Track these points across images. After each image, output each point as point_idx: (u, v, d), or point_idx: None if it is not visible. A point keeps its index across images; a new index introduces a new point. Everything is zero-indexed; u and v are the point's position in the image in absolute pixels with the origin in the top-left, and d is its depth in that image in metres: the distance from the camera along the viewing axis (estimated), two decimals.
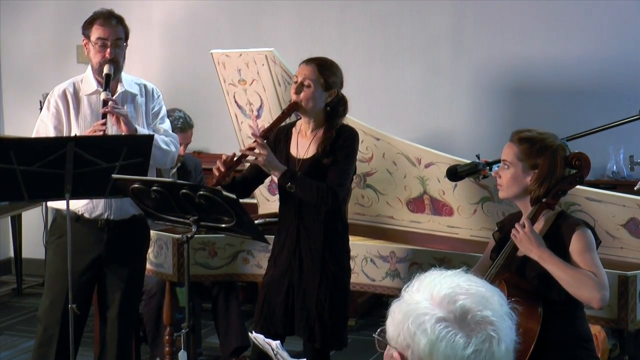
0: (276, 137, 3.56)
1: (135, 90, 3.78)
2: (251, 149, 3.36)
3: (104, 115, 3.56)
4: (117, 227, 3.70)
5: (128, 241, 3.74)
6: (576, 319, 2.81)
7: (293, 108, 3.43)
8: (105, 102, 3.58)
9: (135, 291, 3.86)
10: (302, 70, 3.42)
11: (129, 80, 3.79)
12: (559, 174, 2.80)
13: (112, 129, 3.64)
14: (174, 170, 4.84)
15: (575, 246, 2.74)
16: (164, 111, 3.91)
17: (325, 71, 3.41)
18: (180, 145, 4.75)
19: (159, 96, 3.88)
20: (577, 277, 2.67)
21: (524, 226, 2.76)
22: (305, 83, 3.39)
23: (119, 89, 3.71)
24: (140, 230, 3.82)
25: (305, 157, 3.46)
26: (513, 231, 2.80)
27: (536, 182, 2.80)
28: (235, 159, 3.38)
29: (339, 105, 3.47)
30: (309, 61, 3.44)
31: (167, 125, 3.89)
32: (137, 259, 3.84)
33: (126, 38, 3.71)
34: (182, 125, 4.85)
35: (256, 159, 3.36)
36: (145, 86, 3.84)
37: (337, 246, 3.47)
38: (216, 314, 4.74)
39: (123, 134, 3.59)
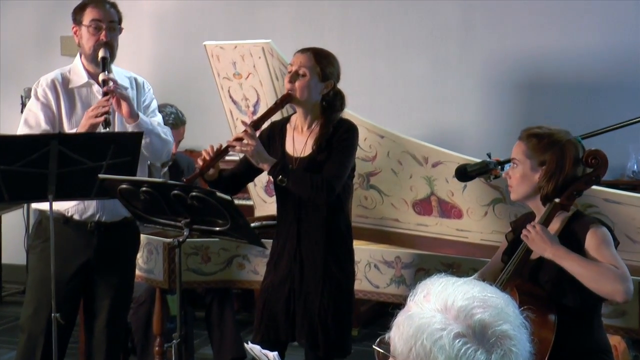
0: (269, 133, 3.55)
1: (125, 83, 3.78)
2: (239, 139, 3.34)
3: (105, 94, 3.54)
4: (108, 230, 3.69)
5: (119, 245, 3.73)
6: (593, 328, 2.80)
7: (287, 99, 3.42)
8: (105, 83, 3.56)
9: (125, 299, 3.85)
10: (297, 59, 3.41)
11: (119, 72, 3.78)
12: (568, 169, 2.81)
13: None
14: (165, 169, 4.83)
15: (590, 242, 2.76)
16: (155, 104, 3.91)
17: (322, 60, 3.41)
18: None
19: (149, 89, 3.89)
20: (597, 270, 2.67)
21: (534, 227, 2.77)
22: (301, 72, 3.38)
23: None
24: (131, 233, 3.82)
25: (302, 155, 3.45)
26: (524, 232, 2.80)
27: (544, 178, 2.81)
28: (222, 148, 3.37)
29: (336, 100, 3.46)
30: (305, 50, 3.44)
31: (159, 118, 3.89)
32: (128, 264, 3.83)
33: (119, 22, 3.71)
34: (174, 121, 4.84)
35: (245, 150, 3.34)
36: (135, 79, 3.85)
37: (341, 249, 3.47)
38: (210, 323, 4.73)
39: (124, 117, 3.59)
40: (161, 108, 4.75)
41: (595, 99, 5.58)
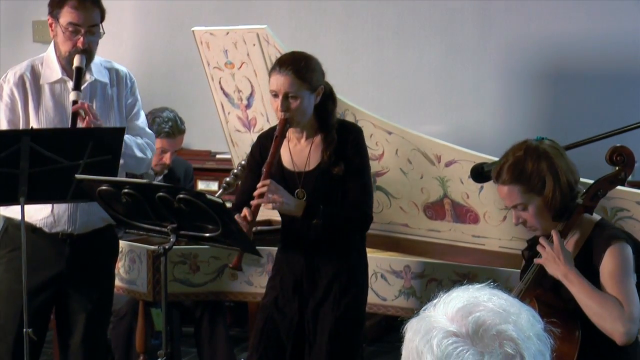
0: (260, 147, 3.55)
1: (105, 78, 3.72)
2: (262, 195, 3.37)
3: (74, 118, 3.50)
4: (81, 239, 3.69)
5: (94, 254, 3.73)
6: (628, 347, 2.82)
7: (285, 128, 3.44)
8: (75, 110, 3.50)
9: (103, 313, 3.86)
10: (279, 83, 3.40)
11: (97, 64, 3.71)
12: (562, 169, 2.85)
13: None
14: (160, 178, 4.80)
15: (606, 265, 2.78)
16: (139, 102, 3.87)
17: (304, 74, 3.41)
18: (166, 152, 4.72)
19: (132, 83, 3.82)
20: (602, 305, 2.71)
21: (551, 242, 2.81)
22: (290, 96, 3.39)
23: (88, 79, 3.64)
24: (108, 241, 3.82)
25: (307, 169, 3.49)
26: (539, 247, 2.83)
27: (550, 197, 2.85)
28: (252, 212, 3.39)
29: (328, 99, 3.50)
30: (282, 70, 3.40)
31: (142, 120, 3.86)
32: (105, 275, 3.84)
33: (102, 20, 3.67)
34: (170, 130, 4.76)
35: (274, 206, 3.40)
36: (117, 72, 3.78)
37: (355, 260, 3.54)
38: (200, 339, 4.75)
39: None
40: (158, 112, 4.72)
41: (628, 89, 5.58)
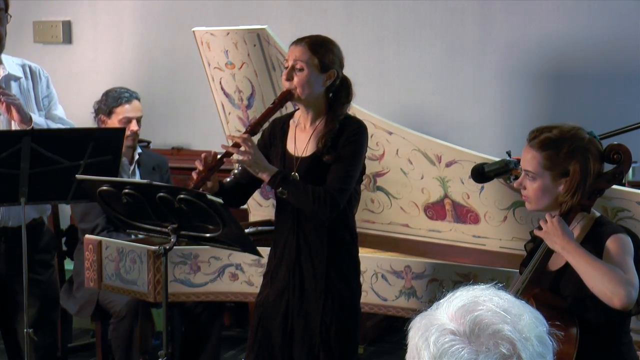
0: (271, 131, 3.57)
1: (18, 72, 3.78)
2: (236, 145, 3.35)
3: None
4: (16, 234, 3.66)
5: (31, 251, 3.68)
6: (621, 346, 2.83)
7: (286, 97, 3.44)
8: None
9: (51, 310, 3.83)
10: (292, 53, 3.44)
11: (9, 61, 3.78)
12: (593, 175, 2.84)
13: None
14: (133, 166, 4.73)
15: (608, 249, 2.79)
16: (55, 94, 3.89)
17: (318, 49, 3.42)
18: (130, 121, 4.59)
19: (46, 78, 3.88)
20: (603, 270, 2.70)
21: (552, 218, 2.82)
22: (297, 66, 3.40)
23: (0, 72, 3.71)
24: (44, 235, 3.81)
25: (304, 155, 3.47)
26: (541, 222, 2.84)
27: (568, 193, 2.83)
28: (217, 158, 3.36)
29: (341, 90, 3.49)
30: (299, 41, 3.46)
31: (60, 111, 3.88)
32: (46, 270, 3.82)
33: (6, 9, 3.69)
34: (128, 93, 4.63)
35: (242, 159, 3.33)
36: (29, 67, 3.85)
37: (345, 260, 3.50)
38: (191, 338, 4.75)
39: (15, 122, 3.59)
40: (109, 90, 4.68)
41: (628, 89, 5.58)
